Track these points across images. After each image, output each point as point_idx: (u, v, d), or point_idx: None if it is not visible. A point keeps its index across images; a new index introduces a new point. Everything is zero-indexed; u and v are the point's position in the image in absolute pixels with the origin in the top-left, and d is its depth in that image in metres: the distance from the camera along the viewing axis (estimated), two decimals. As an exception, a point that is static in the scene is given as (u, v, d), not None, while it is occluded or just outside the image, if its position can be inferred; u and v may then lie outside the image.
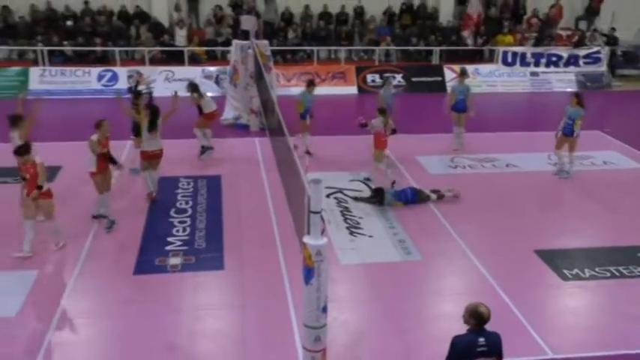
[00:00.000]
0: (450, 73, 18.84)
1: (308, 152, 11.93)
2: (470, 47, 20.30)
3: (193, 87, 11.94)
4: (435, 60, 19.97)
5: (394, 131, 10.68)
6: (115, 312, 6.97)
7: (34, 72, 17.33)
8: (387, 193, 9.97)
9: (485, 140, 13.38)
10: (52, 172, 10.46)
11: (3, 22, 18.64)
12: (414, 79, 18.86)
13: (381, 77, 18.92)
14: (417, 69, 19.35)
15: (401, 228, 9.21)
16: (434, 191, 10.14)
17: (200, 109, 11.80)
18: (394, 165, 11.33)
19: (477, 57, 20.46)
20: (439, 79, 19.01)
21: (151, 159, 9.77)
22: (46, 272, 7.70)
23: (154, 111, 9.71)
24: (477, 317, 4.57)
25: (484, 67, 19.56)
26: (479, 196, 10.45)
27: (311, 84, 12.21)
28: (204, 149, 11.87)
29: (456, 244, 8.74)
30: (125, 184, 10.37)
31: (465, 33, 20.00)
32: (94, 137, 8.69)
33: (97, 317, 6.92)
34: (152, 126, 9.56)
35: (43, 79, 17.27)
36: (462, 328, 4.69)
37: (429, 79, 18.93)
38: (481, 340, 4.56)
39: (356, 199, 10.17)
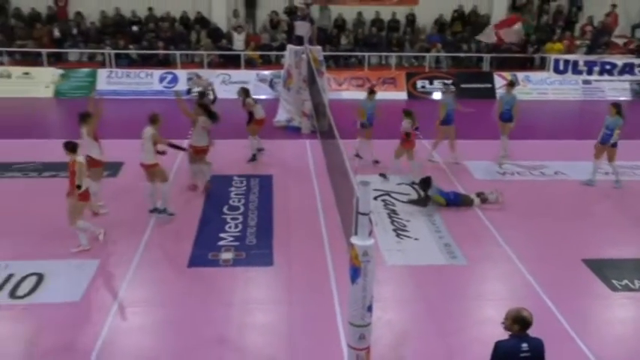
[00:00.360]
0: (500, 80, 18.47)
1: (376, 161, 11.77)
2: (521, 55, 19.82)
3: (246, 92, 12.04)
4: (486, 67, 19.61)
5: (417, 129, 10.99)
6: (169, 302, 7.13)
7: (102, 73, 17.97)
8: (434, 185, 9.89)
9: (534, 148, 13.05)
10: (115, 167, 10.86)
11: (76, 27, 19.40)
12: (463, 86, 18.56)
13: (431, 83, 18.80)
14: (467, 75, 19.06)
15: (447, 232, 9.08)
16: (478, 194, 9.97)
17: (251, 114, 11.79)
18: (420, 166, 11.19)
19: (527, 64, 19.98)
20: (489, 85, 18.67)
21: (201, 153, 10.13)
22: (107, 262, 7.93)
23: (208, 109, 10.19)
24: (520, 322, 4.46)
25: (535, 75, 19.09)
26: (526, 202, 10.19)
27: (372, 92, 12.06)
28: (254, 157, 11.92)
29: (502, 250, 8.56)
30: (183, 181, 10.61)
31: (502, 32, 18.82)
32: (153, 130, 8.95)
33: (152, 306, 7.09)
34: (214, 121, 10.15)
35: (110, 80, 17.89)
36: (505, 334, 4.59)
37: (478, 85, 18.61)
38: (524, 345, 4.44)
39: (410, 201, 10.06)
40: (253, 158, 11.91)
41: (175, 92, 11.70)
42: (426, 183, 9.94)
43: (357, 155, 11.85)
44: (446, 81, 18.44)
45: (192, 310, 6.91)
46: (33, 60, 18.53)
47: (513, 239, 8.78)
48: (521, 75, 18.87)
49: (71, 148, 7.93)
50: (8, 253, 7.99)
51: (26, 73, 17.80)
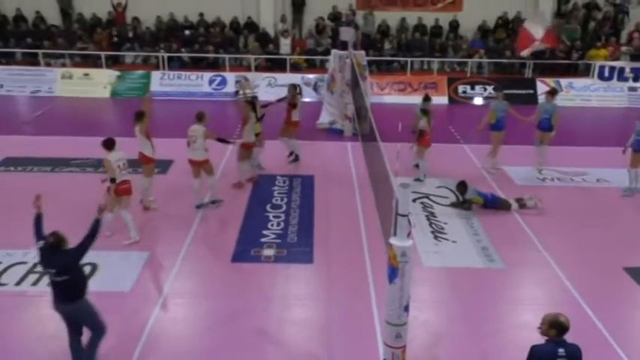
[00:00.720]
0: (542, 86, 17.99)
1: (417, 165, 11.28)
2: (564, 61, 19.29)
3: (296, 88, 12.08)
4: (528, 73, 19.16)
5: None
6: (212, 295, 7.24)
7: (155, 75, 18.40)
8: (470, 187, 9.73)
9: (576, 154, 12.68)
10: (166, 165, 11.11)
11: (133, 31, 19.96)
12: (505, 92, 18.14)
13: (472, 88, 18.50)
14: (508, 81, 18.63)
15: (485, 235, 8.92)
16: (517, 200, 9.76)
17: (290, 116, 11.68)
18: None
19: (571, 71, 19.41)
20: (531, 91, 18.20)
21: (249, 149, 10.38)
22: (156, 254, 8.12)
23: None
24: (557, 327, 4.35)
25: (578, 82, 18.52)
26: (566, 209, 9.92)
27: (427, 99, 11.75)
28: (297, 157, 11.92)
29: (540, 255, 8.34)
30: (229, 178, 10.76)
31: (524, 52, 17.84)
32: (204, 127, 9.23)
33: (196, 298, 7.22)
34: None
35: (163, 81, 18.30)
36: (541, 339, 4.48)
37: (520, 91, 18.13)
38: (561, 350, 4.33)
39: (452, 204, 9.90)
40: (296, 158, 11.93)
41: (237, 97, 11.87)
42: (462, 186, 9.80)
43: (417, 165, 11.20)
44: (489, 89, 18.13)
45: (234, 303, 7.01)
46: (92, 62, 19.14)
47: (552, 245, 8.56)
48: (564, 81, 18.36)
49: (106, 144, 8.27)
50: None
51: (86, 75, 18.40)
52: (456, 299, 7.26)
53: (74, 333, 5.57)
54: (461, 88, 18.51)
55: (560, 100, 17.09)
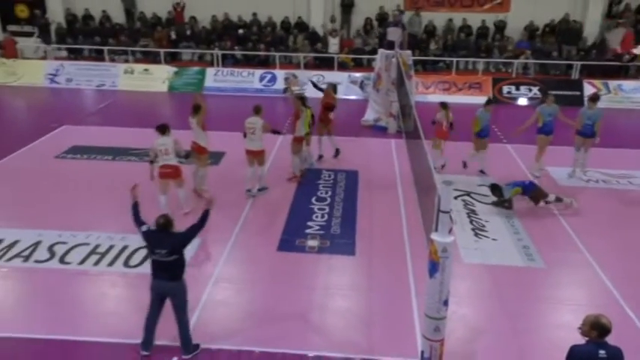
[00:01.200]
0: (589, 88, 17.33)
1: (482, 171, 11.00)
2: (613, 63, 18.52)
3: (335, 87, 12.02)
4: (575, 74, 18.50)
5: (452, 125, 10.91)
6: (258, 281, 7.32)
7: (210, 72, 18.70)
8: (504, 187, 9.43)
9: (622, 156, 12.17)
10: (218, 156, 11.29)
11: (190, 29, 20.35)
12: (550, 92, 17.59)
13: (517, 89, 18.01)
14: (554, 82, 18.06)
15: (526, 234, 8.68)
16: (557, 199, 9.45)
17: (328, 114, 11.49)
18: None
19: (621, 72, 18.62)
20: (577, 93, 17.54)
21: (300, 142, 10.42)
22: (207, 240, 8.27)
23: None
24: (598, 329, 4.19)
25: (629, 84, 17.73)
26: (610, 211, 9.55)
27: (489, 102, 11.28)
28: (338, 151, 11.85)
29: (582, 256, 8.06)
30: (277, 171, 10.86)
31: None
32: (262, 120, 9.46)
33: (243, 284, 7.32)
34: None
35: (216, 78, 18.59)
36: (581, 340, 4.33)
37: (566, 92, 17.48)
38: (602, 352, 4.17)
39: (493, 203, 9.58)
40: (337, 153, 11.87)
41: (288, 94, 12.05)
42: (496, 190, 9.50)
43: (482, 172, 11.05)
44: (534, 90, 17.60)
45: (278, 290, 7.07)
46: (152, 58, 19.63)
47: (595, 246, 8.26)
48: (613, 83, 17.62)
49: (157, 129, 8.67)
50: (124, 226, 8.49)
51: (146, 70, 18.90)
52: (495, 296, 7.10)
53: (158, 310, 5.74)
54: (505, 89, 18.04)
55: (608, 102, 16.57)
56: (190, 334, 5.83)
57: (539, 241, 8.44)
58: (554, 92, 17.40)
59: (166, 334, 5.85)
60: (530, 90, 17.85)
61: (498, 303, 6.94)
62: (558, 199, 9.41)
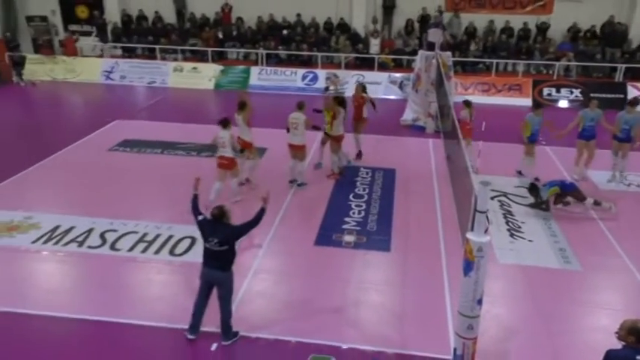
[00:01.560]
0: (633, 91, 16.64)
1: (537, 179, 10.26)
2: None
3: (364, 88, 11.83)
4: (619, 77, 17.79)
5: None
6: (295, 274, 7.36)
7: (254, 70, 18.89)
8: (541, 188, 9.18)
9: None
10: (260, 152, 11.37)
11: (236, 30, 20.60)
12: (593, 95, 17.00)
13: (558, 91, 17.47)
14: (596, 85, 17.42)
15: (563, 237, 8.43)
16: (595, 202, 9.13)
17: (361, 112, 11.41)
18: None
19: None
20: (621, 96, 16.84)
21: (340, 141, 10.39)
22: (248, 233, 8.35)
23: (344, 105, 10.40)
24: (636, 334, 4.03)
25: (675, 87, 16.94)
26: (651, 216, 9.16)
27: (539, 106, 10.86)
28: (360, 153, 11.60)
29: (621, 261, 7.77)
30: (321, 170, 10.88)
31: None
32: (304, 115, 9.57)
33: (281, 275, 7.37)
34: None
35: (260, 76, 18.76)
36: (617, 344, 4.18)
37: (609, 95, 16.85)
38: (639, 357, 4.01)
39: (530, 205, 9.34)
40: (359, 155, 11.59)
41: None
42: (534, 190, 9.26)
43: (519, 172, 10.73)
44: (576, 92, 17.03)
45: (315, 283, 7.10)
46: (200, 57, 19.99)
47: (634, 251, 7.94)
48: (659, 87, 16.89)
49: (219, 123, 8.92)
50: (171, 217, 8.74)
51: (194, 68, 19.24)
52: (529, 297, 6.92)
53: (205, 297, 5.84)
54: (546, 91, 17.52)
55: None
56: (231, 322, 5.91)
57: (577, 244, 8.18)
58: (596, 95, 16.91)
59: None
60: (572, 92, 17.30)
61: (532, 304, 6.77)
62: (597, 203, 9.09)
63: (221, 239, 5.60)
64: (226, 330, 5.90)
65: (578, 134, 10.47)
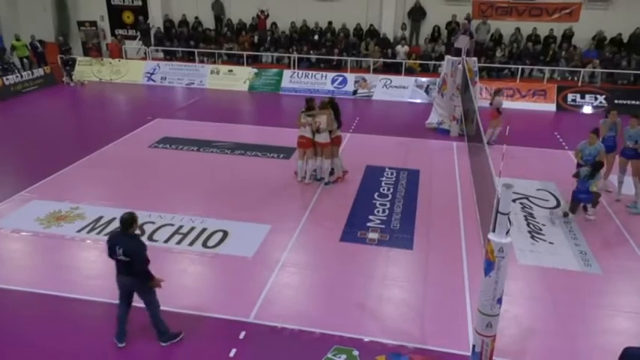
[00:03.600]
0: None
1: (608, 190, 9.74)
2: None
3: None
4: (644, 84, 17.20)
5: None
6: (321, 268, 7.33)
7: (286, 73, 18.93)
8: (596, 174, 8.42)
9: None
10: (289, 151, 11.43)
11: (271, 34, 20.70)
12: (617, 102, 16.50)
13: (582, 97, 16.98)
14: (621, 92, 16.87)
15: (583, 240, 8.18)
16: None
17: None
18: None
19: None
20: (646, 103, 16.32)
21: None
22: (276, 228, 8.38)
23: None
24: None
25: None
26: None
27: (608, 111, 9.83)
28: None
29: (642, 266, 7.50)
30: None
31: None
32: (332, 115, 9.59)
33: (307, 270, 7.34)
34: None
35: (292, 79, 18.80)
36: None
37: (634, 102, 16.35)
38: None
39: (565, 214, 8.76)
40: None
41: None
42: (597, 167, 8.43)
43: (609, 190, 9.83)
44: (600, 98, 16.52)
45: (339, 278, 7.06)
46: (236, 60, 20.15)
47: (656, 256, 7.65)
48: (684, 94, 16.24)
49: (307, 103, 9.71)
50: (204, 211, 8.83)
51: (230, 71, 19.42)
52: (549, 298, 6.74)
53: (127, 304, 5.64)
54: (570, 97, 17.06)
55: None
56: (165, 326, 5.67)
57: (598, 248, 7.92)
58: (621, 102, 16.44)
59: (235, 310, 5.95)
60: (596, 98, 16.81)
61: (551, 305, 6.58)
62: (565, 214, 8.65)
63: (125, 250, 5.27)
64: (161, 334, 5.66)
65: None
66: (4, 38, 20.09)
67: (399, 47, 19.10)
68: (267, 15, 20.91)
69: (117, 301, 5.70)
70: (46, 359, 5.50)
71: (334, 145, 9.92)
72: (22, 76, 17.91)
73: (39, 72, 18.70)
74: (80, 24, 22.52)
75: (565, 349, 5.79)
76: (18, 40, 19.36)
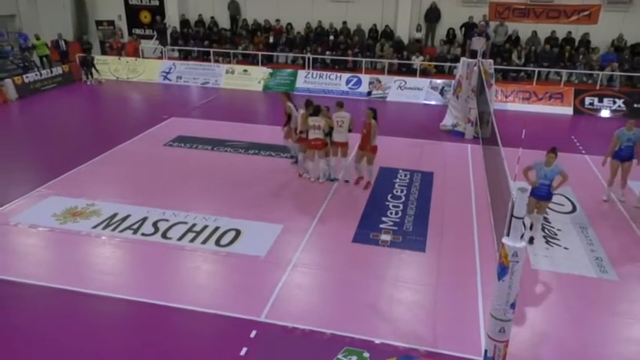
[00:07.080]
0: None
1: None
2: None
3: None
4: (664, 88, 16.89)
5: None
6: (333, 269, 7.32)
7: (301, 74, 18.95)
8: None
9: None
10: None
11: (286, 35, 20.73)
12: (636, 105, 16.25)
13: (600, 101, 16.73)
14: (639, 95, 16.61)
15: (600, 246, 8.06)
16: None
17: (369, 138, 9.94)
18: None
19: None
20: (665, 107, 16.03)
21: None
22: (289, 228, 8.39)
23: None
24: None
25: None
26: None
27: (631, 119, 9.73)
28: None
29: (660, 273, 7.36)
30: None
31: None
32: (348, 114, 9.75)
33: (319, 270, 7.33)
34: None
35: (306, 79, 18.81)
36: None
37: (653, 106, 16.09)
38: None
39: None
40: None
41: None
42: None
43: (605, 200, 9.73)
44: (618, 102, 16.28)
45: (351, 279, 7.04)
46: (251, 60, 20.22)
47: (674, 264, 7.50)
48: None
49: (305, 104, 9.82)
50: (218, 209, 8.87)
51: (245, 71, 19.49)
52: (563, 304, 6.65)
53: None
54: (587, 100, 16.82)
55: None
56: None
57: (615, 255, 7.80)
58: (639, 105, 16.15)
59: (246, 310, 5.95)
60: (614, 102, 16.55)
61: (566, 312, 6.49)
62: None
63: None
64: None
65: (614, 154, 9.50)
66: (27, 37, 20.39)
67: (414, 57, 19.00)
68: (282, 27, 20.91)
69: (130, 298, 5.72)
70: (60, 353, 5.57)
71: (371, 153, 9.79)
72: (41, 74, 18.17)
73: (57, 70, 18.96)
74: (98, 23, 22.79)
75: (579, 357, 5.70)
76: (38, 39, 19.66)
